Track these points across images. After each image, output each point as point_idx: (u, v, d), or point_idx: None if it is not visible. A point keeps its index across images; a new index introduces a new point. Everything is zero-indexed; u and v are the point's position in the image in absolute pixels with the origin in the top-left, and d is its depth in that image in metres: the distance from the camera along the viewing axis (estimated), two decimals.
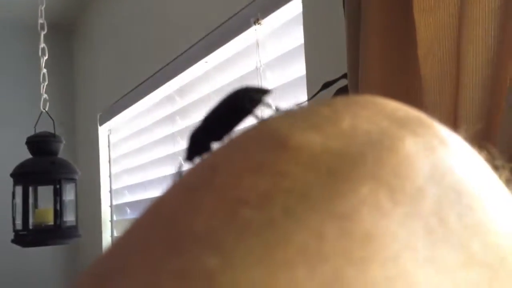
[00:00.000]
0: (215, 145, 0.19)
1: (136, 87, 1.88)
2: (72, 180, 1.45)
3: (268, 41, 1.21)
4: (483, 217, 0.13)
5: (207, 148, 0.19)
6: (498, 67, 0.51)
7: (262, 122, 0.15)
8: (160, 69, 1.69)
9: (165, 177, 1.71)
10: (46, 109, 1.53)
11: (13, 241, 1.41)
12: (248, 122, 0.18)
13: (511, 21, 0.51)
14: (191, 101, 1.58)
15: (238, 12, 1.26)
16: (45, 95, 1.55)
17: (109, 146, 2.26)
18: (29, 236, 1.39)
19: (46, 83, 1.57)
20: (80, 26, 2.54)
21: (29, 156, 1.43)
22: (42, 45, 1.59)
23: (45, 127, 1.48)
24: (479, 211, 0.13)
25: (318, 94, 0.79)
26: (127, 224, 0.14)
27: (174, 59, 1.59)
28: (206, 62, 1.45)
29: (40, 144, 1.41)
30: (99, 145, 2.27)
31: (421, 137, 0.14)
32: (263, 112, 0.18)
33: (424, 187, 0.13)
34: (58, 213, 1.38)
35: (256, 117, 0.18)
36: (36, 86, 1.66)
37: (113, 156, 2.23)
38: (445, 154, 0.14)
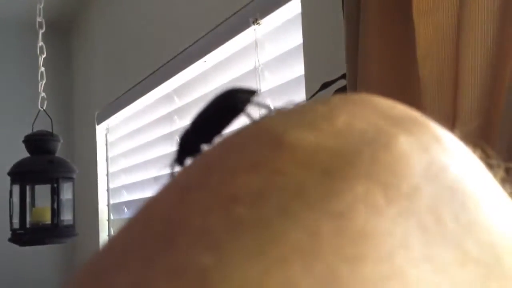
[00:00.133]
0: (205, 147, 0.19)
1: (134, 86, 1.88)
2: (70, 179, 1.45)
3: (267, 41, 1.21)
4: (478, 216, 0.13)
5: (197, 150, 0.19)
6: (496, 68, 0.52)
7: (257, 121, 0.15)
8: (159, 68, 1.69)
9: (162, 176, 1.71)
10: (44, 108, 1.53)
11: (10, 240, 1.41)
12: (237, 123, 0.18)
13: (510, 22, 0.51)
14: (190, 101, 1.58)
15: (237, 12, 1.26)
16: (43, 94, 1.55)
17: (106, 145, 2.26)
18: (26, 235, 1.39)
19: (44, 81, 1.57)
20: (78, 25, 2.54)
21: (27, 154, 1.43)
22: (40, 43, 1.59)
23: (43, 125, 1.48)
24: (474, 210, 0.13)
25: (317, 95, 0.79)
26: (122, 222, 0.14)
27: (173, 58, 1.59)
28: (204, 61, 1.45)
29: (38, 143, 1.41)
30: (97, 144, 2.26)
31: (416, 135, 0.14)
32: (251, 112, 0.18)
33: (419, 185, 0.13)
34: (56, 212, 1.38)
35: (245, 117, 0.18)
36: (34, 85, 1.66)
37: (110, 155, 2.23)
38: (440, 152, 0.14)
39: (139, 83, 1.84)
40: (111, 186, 2.21)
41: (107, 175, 2.24)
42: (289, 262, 0.10)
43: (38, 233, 1.40)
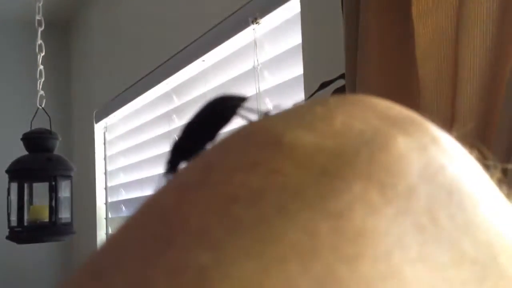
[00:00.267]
0: (197, 153, 0.19)
1: (133, 85, 1.88)
2: (68, 177, 1.45)
3: (266, 41, 1.21)
4: (475, 216, 0.13)
5: (189, 156, 0.19)
6: (495, 68, 0.52)
7: (255, 121, 0.15)
8: (157, 67, 1.69)
9: (160, 175, 1.71)
10: (43, 106, 1.53)
11: (8, 237, 1.41)
12: (229, 129, 0.18)
13: (509, 23, 0.51)
14: (188, 100, 1.58)
15: (236, 11, 1.26)
16: (41, 92, 1.55)
17: (104, 144, 2.26)
18: (24, 232, 1.39)
19: (42, 79, 1.57)
20: (76, 24, 2.54)
21: (25, 152, 1.43)
22: (39, 41, 1.59)
23: (41, 123, 1.48)
24: (470, 210, 0.13)
25: (316, 94, 0.80)
26: (121, 221, 0.14)
27: (171, 57, 1.59)
28: (203, 60, 1.45)
29: (36, 141, 1.41)
30: (95, 142, 2.26)
31: (413, 136, 0.14)
32: (243, 118, 0.19)
33: (415, 185, 0.13)
34: (54, 210, 1.38)
35: (237, 122, 0.18)
36: (32, 83, 1.65)
37: (108, 153, 2.23)
38: (437, 153, 0.14)
39: (137, 81, 1.84)
40: (109, 184, 2.21)
41: (105, 173, 2.24)
42: (287, 261, 0.10)
43: (36, 231, 1.40)
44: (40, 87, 1.56)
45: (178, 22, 1.58)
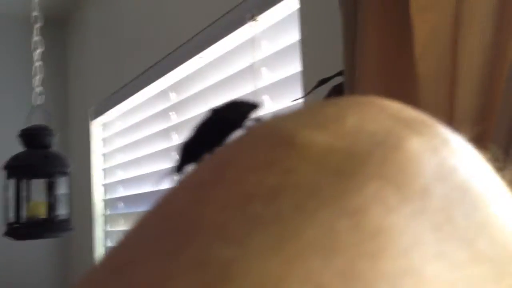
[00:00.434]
0: (206, 156, 0.19)
1: (130, 82, 1.87)
2: (65, 173, 1.44)
3: (263, 38, 1.21)
4: (489, 216, 0.13)
5: (197, 159, 0.20)
6: (494, 65, 0.52)
7: (267, 122, 0.15)
8: (154, 64, 1.69)
9: (158, 172, 1.71)
10: (40, 102, 1.53)
11: (5, 233, 1.41)
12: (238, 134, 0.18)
13: (508, 19, 0.51)
14: (185, 97, 1.58)
15: (234, 8, 1.26)
16: (39, 88, 1.54)
17: (102, 140, 2.26)
18: (22, 229, 1.39)
19: (39, 76, 1.57)
20: (73, 20, 2.53)
21: (22, 149, 1.43)
22: (36, 37, 1.58)
23: (38, 120, 1.48)
24: (484, 210, 0.13)
25: (314, 91, 0.80)
26: (136, 217, 0.14)
27: (169, 54, 1.59)
28: (201, 57, 1.45)
29: (34, 137, 1.41)
30: (92, 139, 2.26)
31: (425, 137, 0.14)
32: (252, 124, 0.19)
33: (430, 185, 0.13)
34: (51, 206, 1.38)
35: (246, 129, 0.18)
36: (29, 79, 1.65)
37: (106, 150, 2.23)
38: (449, 154, 0.14)
39: (134, 78, 1.84)
40: (106, 181, 2.21)
41: (103, 170, 2.23)
42: (309, 256, 0.11)
43: (34, 227, 1.40)
44: (37, 83, 1.56)
45: (175, 19, 1.58)
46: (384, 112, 0.15)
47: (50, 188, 1.38)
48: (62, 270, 2.48)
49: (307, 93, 0.93)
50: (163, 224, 0.13)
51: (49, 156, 1.39)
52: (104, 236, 2.21)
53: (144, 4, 1.79)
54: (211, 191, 0.13)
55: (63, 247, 2.46)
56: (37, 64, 1.57)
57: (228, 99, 0.21)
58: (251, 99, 0.21)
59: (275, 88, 1.17)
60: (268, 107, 1.16)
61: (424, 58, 0.57)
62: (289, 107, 1.01)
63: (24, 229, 1.39)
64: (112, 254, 0.13)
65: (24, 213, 1.40)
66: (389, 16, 0.62)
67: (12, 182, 1.42)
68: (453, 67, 0.55)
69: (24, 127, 1.44)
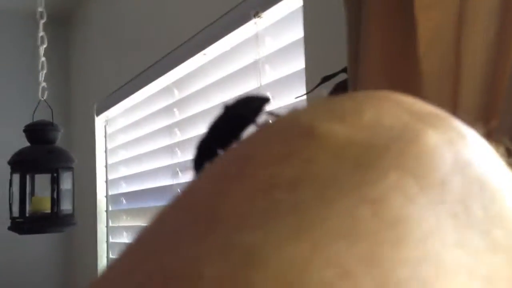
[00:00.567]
0: (221, 152, 0.20)
1: (134, 78, 1.88)
2: (69, 169, 1.45)
3: (267, 35, 1.22)
4: (506, 208, 0.14)
5: (214, 155, 0.20)
6: (498, 63, 0.52)
7: (286, 115, 0.15)
8: (158, 61, 1.69)
9: (161, 168, 1.72)
10: (45, 98, 1.54)
11: (10, 228, 1.42)
12: (252, 129, 0.19)
13: (511, 18, 0.52)
14: (189, 93, 1.59)
15: (238, 5, 1.26)
16: (43, 84, 1.55)
17: (105, 137, 2.27)
18: (26, 223, 1.39)
19: (44, 71, 1.57)
20: (77, 16, 2.53)
21: (27, 144, 1.43)
22: (41, 33, 1.59)
23: (43, 115, 1.48)
24: (501, 202, 0.14)
25: (317, 88, 0.80)
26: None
27: (172, 50, 1.59)
28: (204, 54, 1.45)
29: (38, 133, 1.41)
30: (96, 135, 2.27)
31: (441, 130, 0.14)
32: (265, 119, 0.19)
33: (448, 176, 0.13)
34: (55, 201, 1.39)
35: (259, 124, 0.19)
36: (34, 75, 1.66)
37: (109, 146, 2.24)
38: (464, 147, 0.14)
39: (138, 75, 1.84)
40: (109, 177, 2.22)
41: (106, 166, 2.24)
42: (332, 241, 0.11)
43: (38, 222, 1.40)
44: (42, 78, 1.56)
45: (179, 15, 1.58)
46: (399, 106, 0.15)
47: (54, 183, 1.39)
48: (65, 265, 2.49)
49: (310, 90, 0.93)
50: (190, 213, 0.13)
51: (53, 151, 1.40)
52: (106, 232, 2.21)
53: (147, 1, 1.79)
54: (232, 183, 0.13)
55: (66, 243, 2.47)
56: (43, 59, 1.58)
57: (232, 96, 0.21)
58: (260, 93, 0.22)
59: (278, 85, 1.17)
60: (272, 104, 1.16)
61: (427, 56, 0.57)
62: (293, 103, 1.02)
63: (28, 223, 1.40)
64: (140, 241, 0.13)
65: (28, 208, 1.41)
66: (393, 14, 0.62)
67: (16, 177, 1.43)
68: (456, 65, 0.55)
69: (29, 122, 1.45)
